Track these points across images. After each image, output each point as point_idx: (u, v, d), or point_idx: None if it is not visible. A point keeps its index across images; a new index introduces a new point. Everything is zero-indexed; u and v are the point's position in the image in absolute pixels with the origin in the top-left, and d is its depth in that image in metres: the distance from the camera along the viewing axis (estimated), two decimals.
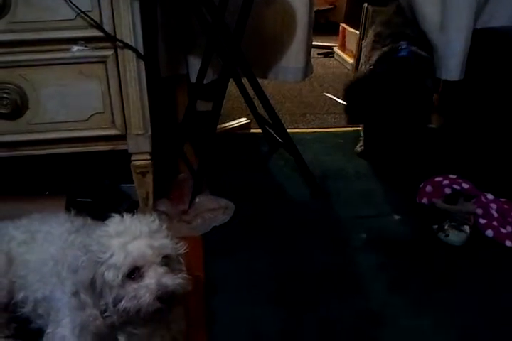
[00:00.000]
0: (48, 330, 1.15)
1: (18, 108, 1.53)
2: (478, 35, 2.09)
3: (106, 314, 1.03)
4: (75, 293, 1.05)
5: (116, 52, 1.52)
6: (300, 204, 1.98)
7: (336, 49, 4.09)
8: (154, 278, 1.00)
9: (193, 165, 2.01)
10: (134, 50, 1.52)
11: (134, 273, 1.00)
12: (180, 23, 2.17)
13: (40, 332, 1.18)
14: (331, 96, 3.15)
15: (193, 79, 2.16)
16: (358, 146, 2.38)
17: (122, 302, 1.00)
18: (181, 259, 1.10)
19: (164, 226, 1.09)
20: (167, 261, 1.04)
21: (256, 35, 2.23)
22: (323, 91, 3.25)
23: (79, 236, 1.25)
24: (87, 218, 1.39)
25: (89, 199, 1.78)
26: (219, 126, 2.51)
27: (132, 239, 1.01)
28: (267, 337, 1.36)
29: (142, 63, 1.56)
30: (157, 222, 1.08)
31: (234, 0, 1.85)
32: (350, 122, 2.23)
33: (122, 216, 1.09)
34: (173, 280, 1.02)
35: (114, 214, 1.11)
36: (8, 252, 1.26)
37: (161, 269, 1.02)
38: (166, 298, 1.00)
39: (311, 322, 1.41)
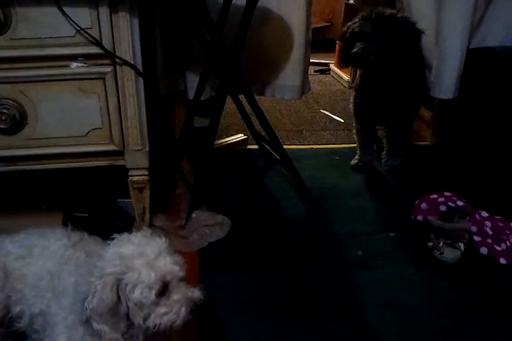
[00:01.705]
0: None
1: (16, 123, 1.55)
2: (473, 54, 2.12)
3: (126, 335, 1.04)
4: (86, 322, 1.04)
5: (115, 68, 1.54)
6: (296, 220, 1.99)
7: (332, 66, 4.12)
8: (182, 293, 1.04)
9: (189, 181, 2.02)
10: (133, 67, 1.54)
11: (163, 289, 1.03)
12: (178, 41, 2.20)
13: None
14: (327, 113, 3.17)
15: (191, 95, 2.18)
16: (353, 159, 2.41)
17: (151, 319, 1.02)
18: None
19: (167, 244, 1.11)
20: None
21: (253, 53, 2.26)
22: (320, 108, 3.27)
23: (76, 251, 1.26)
24: (84, 233, 1.39)
25: (86, 214, 1.78)
26: (216, 142, 2.52)
27: (154, 257, 1.03)
28: None
29: (141, 80, 1.57)
30: (163, 240, 1.10)
31: (232, 18, 1.88)
32: (342, 64, 2.22)
33: (124, 235, 1.11)
34: (196, 293, 1.06)
35: (116, 235, 1.13)
36: (4, 266, 1.26)
37: (183, 283, 1.06)
38: (196, 309, 1.05)
39: (305, 338, 1.41)
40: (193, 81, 2.19)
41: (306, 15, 2.24)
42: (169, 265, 1.04)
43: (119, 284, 1.02)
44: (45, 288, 1.20)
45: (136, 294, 1.00)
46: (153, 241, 1.08)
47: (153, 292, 1.01)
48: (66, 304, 1.13)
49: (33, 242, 1.31)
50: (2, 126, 1.54)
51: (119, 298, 1.02)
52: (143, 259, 1.03)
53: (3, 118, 1.53)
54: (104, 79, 1.54)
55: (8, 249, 1.29)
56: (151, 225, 1.78)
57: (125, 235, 1.11)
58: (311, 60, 4.07)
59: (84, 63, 1.52)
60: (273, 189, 2.22)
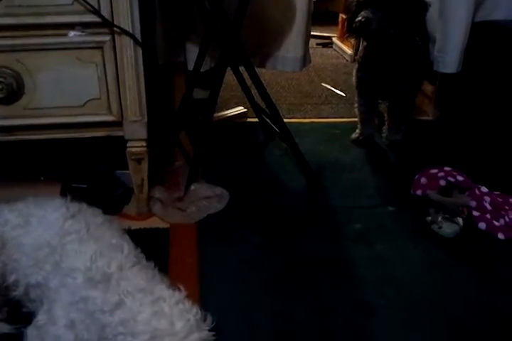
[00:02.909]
0: (39, 320, 1.15)
1: (13, 92, 1.53)
2: (478, 27, 2.09)
3: None
4: None
5: (113, 38, 1.51)
6: (295, 193, 1.99)
7: (335, 39, 4.07)
8: None
9: (188, 153, 2.01)
10: (132, 36, 1.51)
11: None
12: (178, 10, 2.16)
13: (32, 315, 1.19)
14: (329, 87, 3.14)
15: (191, 66, 2.15)
16: (354, 133, 2.40)
17: None
18: None
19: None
20: None
21: (255, 23, 2.22)
22: (321, 82, 3.24)
23: (76, 222, 1.26)
24: (83, 204, 1.39)
25: (84, 185, 1.78)
26: (216, 115, 2.50)
27: (185, 334, 1.01)
28: (259, 324, 1.37)
29: (139, 50, 1.55)
30: (197, 309, 1.08)
31: None
32: (347, 35, 2.21)
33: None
34: None
35: None
36: (1, 235, 1.27)
37: None
38: None
39: (302, 312, 1.42)
40: (192, 52, 2.16)
41: None
42: None
43: None
44: (44, 260, 1.20)
45: None
46: (189, 308, 1.06)
47: None
48: (72, 282, 1.13)
49: (31, 212, 1.31)
50: None
51: None
52: (175, 337, 1.00)
53: (0, 87, 1.51)
54: (102, 48, 1.52)
55: (6, 217, 1.30)
56: (149, 197, 1.78)
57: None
58: (313, 33, 4.07)
59: (82, 32, 1.49)
60: (272, 162, 2.21)
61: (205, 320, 1.06)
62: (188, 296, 1.11)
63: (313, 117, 2.70)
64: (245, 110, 2.64)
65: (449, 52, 2.09)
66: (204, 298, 1.42)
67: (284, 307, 1.43)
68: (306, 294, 1.48)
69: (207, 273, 1.53)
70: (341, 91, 3.06)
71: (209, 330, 1.06)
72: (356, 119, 2.40)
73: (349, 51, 3.68)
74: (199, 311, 1.07)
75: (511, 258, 1.65)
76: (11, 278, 1.24)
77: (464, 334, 1.36)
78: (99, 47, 1.52)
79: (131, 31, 1.50)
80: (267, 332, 1.35)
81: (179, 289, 1.11)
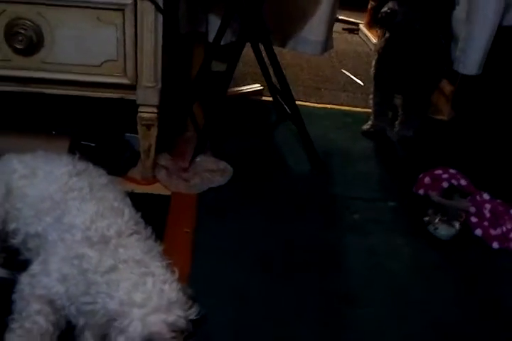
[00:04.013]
0: (33, 269, 1.17)
1: (32, 45, 1.54)
2: (504, 32, 2.06)
3: None
4: (81, 330, 1.08)
5: (135, 2, 1.51)
6: (299, 177, 2.00)
7: (361, 26, 4.02)
8: None
9: (199, 125, 2.02)
10: (154, 2, 1.51)
11: None
12: None
13: (27, 264, 1.22)
14: (349, 74, 3.12)
15: (211, 38, 2.14)
16: (365, 125, 2.39)
17: None
18: (190, 327, 1.09)
19: (184, 293, 1.10)
20: (177, 333, 1.06)
21: (279, 2, 2.20)
22: (342, 68, 3.21)
23: (80, 180, 1.28)
24: (89, 163, 1.41)
25: (93, 144, 1.79)
26: (232, 90, 2.50)
27: (153, 311, 1.03)
28: (247, 299, 1.40)
29: (160, 16, 1.55)
30: (180, 291, 1.09)
31: None
32: (372, 22, 2.20)
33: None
34: None
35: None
36: (8, 183, 1.30)
37: None
38: None
39: (290, 292, 1.45)
40: (214, 23, 2.14)
41: None
42: (161, 324, 1.03)
43: (113, 321, 1.03)
44: (45, 212, 1.23)
45: (119, 339, 1.02)
46: (164, 292, 1.06)
47: None
48: (70, 238, 1.16)
49: (38, 165, 1.33)
50: (18, 46, 1.53)
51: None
52: (142, 310, 1.02)
53: (20, 38, 1.52)
54: (123, 11, 1.52)
55: (15, 167, 1.32)
56: (155, 163, 1.79)
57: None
58: (340, 17, 4.04)
59: None
60: (281, 143, 2.22)
61: (190, 307, 1.08)
62: (180, 274, 1.13)
63: (328, 103, 2.68)
64: (261, 88, 2.62)
65: (471, 54, 2.07)
66: (195, 268, 1.45)
67: (272, 286, 1.46)
68: (295, 275, 1.51)
69: (201, 244, 1.56)
70: (360, 80, 3.03)
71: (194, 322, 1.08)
72: (370, 110, 2.40)
73: (374, 40, 3.63)
74: (184, 297, 1.09)
75: (501, 268, 1.67)
76: (12, 226, 1.27)
77: (440, 332, 1.40)
78: (120, 9, 1.52)
79: None
80: (254, 310, 1.38)
81: (173, 270, 1.14)
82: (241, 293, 1.42)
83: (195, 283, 1.32)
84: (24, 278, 1.16)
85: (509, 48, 2.17)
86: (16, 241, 1.28)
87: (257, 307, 1.39)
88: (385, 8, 1.95)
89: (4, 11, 1.49)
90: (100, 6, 1.50)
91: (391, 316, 1.43)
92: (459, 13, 2.04)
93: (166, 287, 1.07)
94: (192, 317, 1.08)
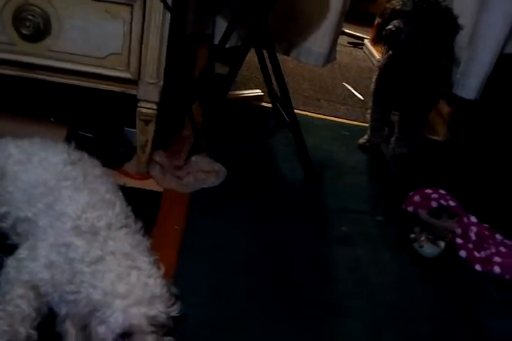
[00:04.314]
0: (21, 253, 1.18)
1: (39, 31, 1.54)
2: (504, 59, 2.09)
3: None
4: (62, 319, 1.09)
5: None
6: (291, 185, 2.01)
7: (366, 41, 4.06)
8: None
9: (197, 125, 2.02)
10: (163, 0, 1.52)
11: (124, 336, 1.04)
12: None
13: (15, 248, 1.22)
14: (349, 88, 3.15)
15: (217, 40, 2.15)
16: (362, 139, 2.41)
17: None
18: (171, 323, 1.11)
19: (167, 290, 1.11)
20: (157, 328, 1.07)
21: (287, 11, 2.22)
22: (343, 81, 3.24)
23: (74, 169, 1.29)
24: (85, 153, 1.42)
25: (90, 135, 1.79)
26: (232, 93, 2.51)
27: (135, 303, 1.04)
28: (230, 300, 1.41)
29: (168, 14, 1.56)
30: (163, 287, 1.10)
31: None
32: (376, 39, 2.22)
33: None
34: None
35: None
36: (3, 167, 1.30)
37: (149, 338, 1.05)
38: None
39: (275, 298, 1.46)
40: (221, 26, 2.16)
41: None
42: (142, 317, 1.04)
43: (94, 311, 1.05)
44: (37, 198, 1.24)
45: (100, 329, 1.03)
46: (148, 286, 1.08)
47: (112, 335, 1.03)
48: (60, 226, 1.16)
49: (34, 151, 1.34)
50: (25, 32, 1.53)
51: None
52: (124, 302, 1.04)
53: (28, 24, 1.52)
54: (132, 6, 1.53)
55: (11, 151, 1.33)
56: (150, 159, 1.80)
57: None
58: (346, 31, 4.07)
59: None
60: (277, 150, 2.23)
61: (173, 304, 1.10)
62: (165, 271, 1.15)
63: (327, 114, 2.70)
64: (262, 94, 2.64)
65: (471, 78, 2.10)
66: (180, 265, 1.46)
67: (255, 290, 1.47)
68: (280, 281, 1.52)
69: (189, 243, 1.56)
70: (360, 94, 3.06)
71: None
72: (367, 125, 2.42)
73: (378, 56, 3.66)
74: (167, 293, 1.10)
75: (482, 290, 1.69)
76: (2, 209, 1.28)
77: None
78: (129, 4, 1.52)
79: None
80: (237, 311, 1.39)
81: (159, 266, 1.15)
82: (224, 294, 1.42)
83: (180, 280, 1.33)
84: (11, 262, 1.16)
85: (509, 76, 2.20)
86: (5, 224, 1.28)
87: (240, 309, 1.40)
88: (390, 26, 1.97)
89: None
90: None
91: (372, 327, 1.44)
92: (463, 37, 2.06)
93: (151, 281, 1.08)
94: (173, 313, 1.09)
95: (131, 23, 1.55)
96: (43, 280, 1.12)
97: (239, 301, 1.42)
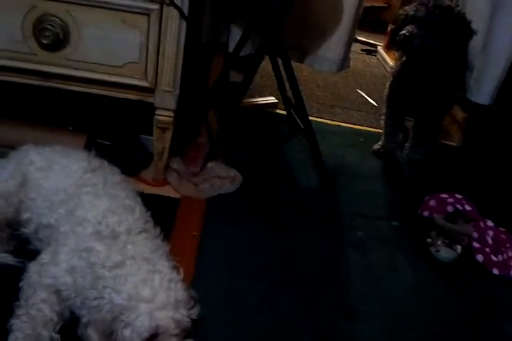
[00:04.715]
0: (43, 258, 1.20)
1: (59, 41, 1.57)
2: None
3: None
4: (84, 326, 1.10)
5: (162, 7, 1.54)
6: (306, 191, 2.02)
7: (380, 48, 4.07)
8: None
9: (213, 132, 2.05)
10: (179, 9, 1.54)
11: (151, 338, 1.06)
12: None
13: (37, 253, 1.24)
14: (363, 94, 3.16)
15: (231, 48, 2.18)
16: (376, 145, 2.42)
17: None
18: (191, 326, 1.12)
19: (189, 295, 1.13)
20: (180, 331, 1.09)
21: (301, 19, 2.24)
22: (357, 88, 3.25)
23: (94, 176, 1.31)
24: (104, 161, 1.44)
25: (108, 143, 1.82)
26: (247, 101, 2.54)
27: (160, 307, 1.06)
28: (246, 305, 1.42)
29: (184, 23, 1.58)
30: (185, 291, 1.12)
31: None
32: (390, 45, 2.24)
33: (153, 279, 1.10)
34: None
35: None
36: (25, 174, 1.33)
37: (174, 340, 1.07)
38: None
39: (288, 302, 1.46)
40: (236, 34, 2.18)
41: None
42: (168, 320, 1.06)
43: (119, 315, 1.06)
44: (59, 204, 1.26)
45: (126, 332, 1.05)
46: (171, 290, 1.09)
47: (139, 338, 1.04)
48: (81, 231, 1.19)
49: (55, 158, 1.37)
50: (45, 42, 1.56)
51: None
52: (149, 305, 1.05)
53: (47, 34, 1.55)
54: (149, 15, 1.55)
55: (32, 159, 1.36)
56: (167, 166, 1.82)
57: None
58: (360, 38, 4.10)
59: None
60: (291, 157, 2.25)
61: (193, 307, 1.12)
62: (184, 275, 1.16)
63: (341, 121, 2.72)
64: (276, 101, 2.66)
65: (484, 84, 2.10)
66: (198, 270, 1.47)
67: (271, 294, 1.48)
68: (295, 286, 1.53)
69: (206, 248, 1.58)
70: (374, 100, 3.07)
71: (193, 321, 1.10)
72: (381, 131, 2.42)
73: (391, 63, 3.67)
74: (188, 297, 1.12)
75: (499, 294, 1.69)
76: (25, 215, 1.31)
77: None
78: (146, 13, 1.55)
79: (179, 4, 1.53)
80: (253, 316, 1.40)
81: (179, 270, 1.17)
82: (240, 299, 1.44)
83: (198, 285, 1.35)
84: (33, 267, 1.18)
85: None
86: (27, 230, 1.31)
87: (255, 313, 1.41)
88: (403, 31, 1.98)
89: (35, 6, 1.53)
90: (127, 9, 1.54)
91: (386, 332, 1.44)
92: (477, 42, 2.07)
93: (173, 285, 1.10)
94: (193, 316, 1.11)
95: (148, 32, 1.57)
96: (65, 284, 1.14)
97: (254, 304, 1.43)
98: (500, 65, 2.04)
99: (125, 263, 1.12)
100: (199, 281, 1.41)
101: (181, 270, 1.18)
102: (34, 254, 1.23)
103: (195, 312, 1.11)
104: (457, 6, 2.10)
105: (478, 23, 2.03)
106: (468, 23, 2.01)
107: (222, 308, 1.38)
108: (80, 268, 1.14)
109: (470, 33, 2.03)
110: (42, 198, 1.29)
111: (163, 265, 1.15)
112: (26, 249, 1.31)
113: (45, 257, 1.19)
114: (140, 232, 1.23)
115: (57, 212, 1.25)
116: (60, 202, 1.26)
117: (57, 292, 1.15)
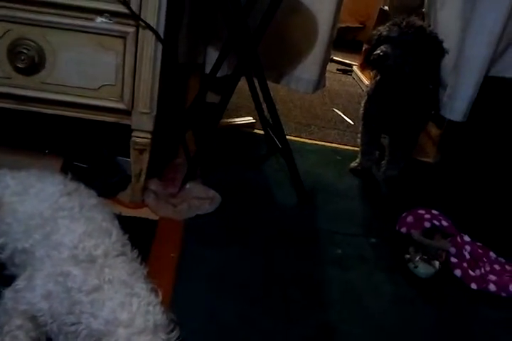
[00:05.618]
0: (18, 284, 1.18)
1: (34, 65, 1.57)
2: (490, 82, 2.14)
3: None
4: None
5: (137, 30, 1.55)
6: (284, 210, 2.03)
7: (355, 68, 4.14)
8: None
9: (190, 153, 2.05)
10: (155, 32, 1.55)
11: None
12: (206, 14, 2.21)
13: (12, 279, 1.22)
14: (340, 113, 3.20)
15: (208, 70, 2.20)
16: (353, 162, 2.45)
17: None
18: None
19: (168, 318, 1.12)
20: None
21: (276, 40, 2.28)
22: (333, 107, 3.30)
23: (70, 200, 1.30)
24: (81, 184, 1.44)
25: (85, 165, 1.82)
26: (224, 121, 2.55)
27: (139, 332, 1.05)
28: (225, 327, 1.41)
29: (160, 46, 1.59)
30: (163, 314, 1.11)
31: (261, 2, 1.90)
32: (365, 64, 2.25)
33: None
34: None
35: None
36: (0, 198, 1.31)
37: None
38: None
39: (269, 322, 1.46)
40: (212, 56, 2.21)
41: (335, 12, 2.25)
42: None
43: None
44: (34, 229, 1.25)
45: None
46: (149, 313, 1.09)
47: None
48: (56, 256, 1.18)
49: (31, 182, 1.36)
50: (20, 65, 1.56)
51: None
52: (127, 330, 1.04)
53: (22, 58, 1.55)
54: (125, 38, 1.56)
55: (8, 183, 1.35)
56: (144, 188, 1.82)
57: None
58: (335, 58, 4.16)
59: (110, 20, 1.53)
60: (269, 176, 2.26)
61: (172, 330, 1.10)
62: (162, 298, 1.15)
63: (318, 139, 2.75)
64: (254, 121, 2.68)
65: (457, 101, 2.14)
66: (176, 293, 1.46)
67: (251, 315, 1.47)
68: (275, 306, 1.52)
69: (184, 270, 1.57)
70: (350, 119, 3.11)
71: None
72: (358, 149, 2.45)
73: (367, 82, 3.74)
74: (167, 320, 1.11)
75: (478, 308, 1.70)
76: (0, 240, 1.29)
77: None
78: (122, 36, 1.56)
79: (155, 27, 1.54)
80: (232, 336, 1.39)
81: (157, 293, 1.16)
82: (220, 320, 1.42)
83: (177, 307, 1.34)
84: (8, 293, 1.16)
85: (494, 98, 2.25)
86: (3, 255, 1.29)
87: (236, 334, 1.40)
88: (377, 51, 2.02)
89: (9, 30, 1.52)
90: (103, 32, 1.54)
91: None
92: (449, 61, 2.12)
93: (151, 309, 1.09)
94: (173, 340, 1.10)
95: (124, 55, 1.58)
96: (41, 310, 1.12)
97: (235, 325, 1.42)
98: (473, 83, 2.09)
99: (102, 287, 1.11)
100: (178, 303, 1.40)
101: (160, 292, 1.17)
102: (10, 280, 1.21)
103: (174, 336, 1.10)
104: (429, 26, 2.15)
105: (449, 42, 2.08)
106: (441, 42, 2.06)
107: (202, 330, 1.37)
108: (57, 293, 1.12)
109: (442, 52, 2.08)
110: (17, 223, 1.27)
111: (141, 288, 1.14)
112: (2, 275, 1.29)
113: (20, 283, 1.17)
114: (117, 255, 1.22)
115: (32, 237, 1.23)
116: (35, 226, 1.25)
117: (33, 318, 1.13)
